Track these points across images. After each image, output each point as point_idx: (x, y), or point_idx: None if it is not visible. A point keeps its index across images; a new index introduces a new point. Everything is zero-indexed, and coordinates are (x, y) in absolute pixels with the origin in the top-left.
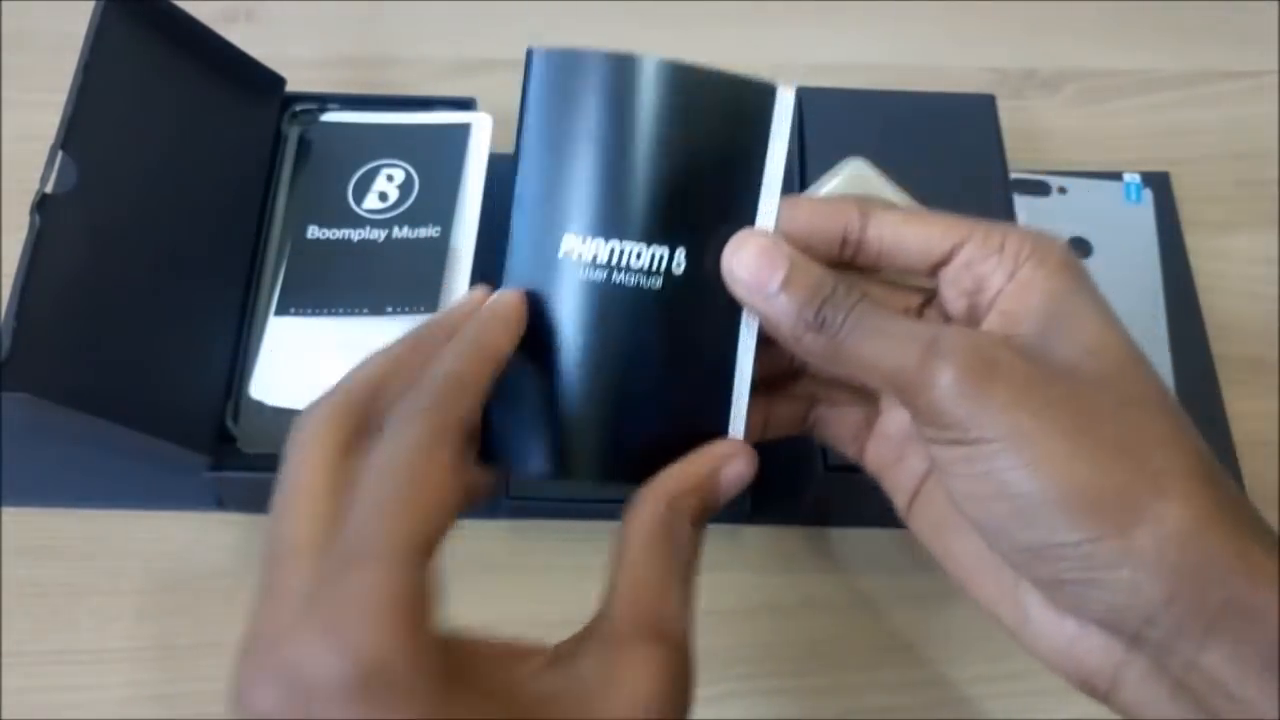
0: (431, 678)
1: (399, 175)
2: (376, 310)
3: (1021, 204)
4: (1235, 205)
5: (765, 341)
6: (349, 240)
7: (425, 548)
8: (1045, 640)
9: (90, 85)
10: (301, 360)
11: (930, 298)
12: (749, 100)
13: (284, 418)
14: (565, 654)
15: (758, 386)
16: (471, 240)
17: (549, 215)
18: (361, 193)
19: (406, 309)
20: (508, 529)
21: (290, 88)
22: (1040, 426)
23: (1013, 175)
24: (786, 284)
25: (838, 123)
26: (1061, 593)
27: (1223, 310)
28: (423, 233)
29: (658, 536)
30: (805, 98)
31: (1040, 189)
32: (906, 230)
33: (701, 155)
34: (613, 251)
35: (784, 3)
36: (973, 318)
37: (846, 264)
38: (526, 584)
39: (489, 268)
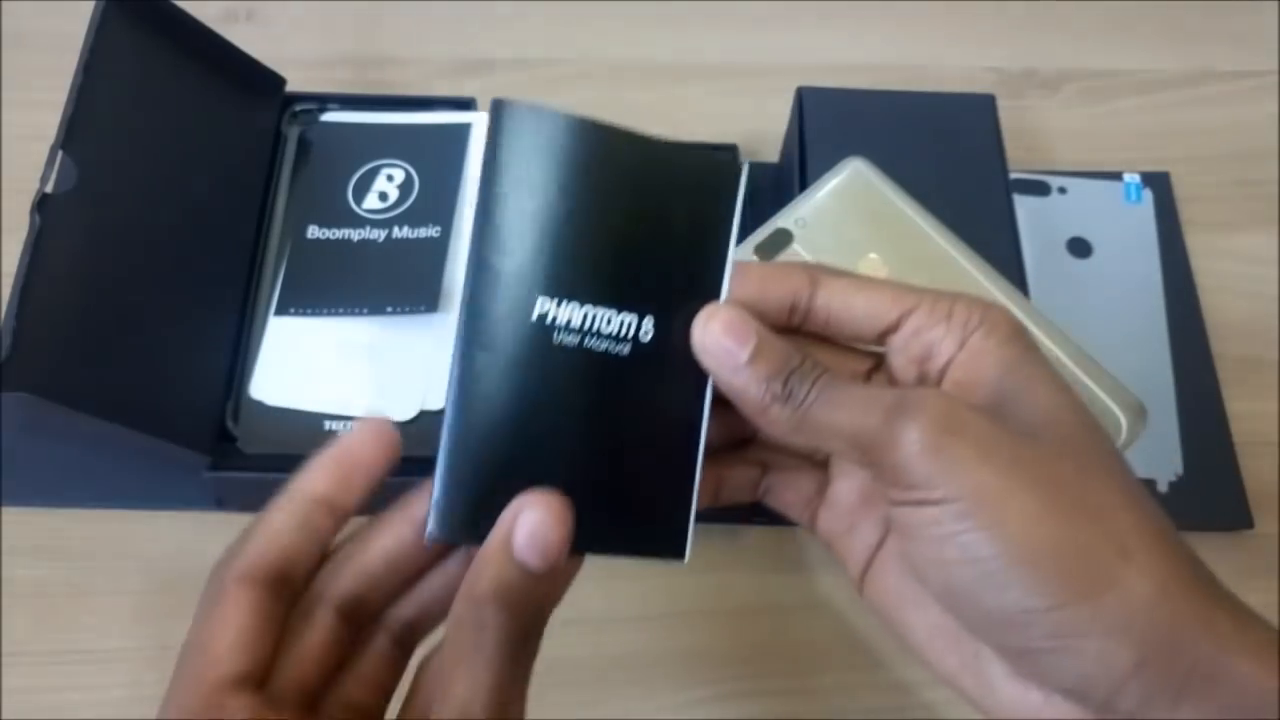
0: None
1: (399, 175)
2: (376, 310)
3: (1021, 204)
4: (1235, 205)
5: (718, 408)
6: (349, 240)
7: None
8: (1011, 711)
9: (90, 85)
10: (301, 360)
11: (878, 363)
12: (716, 174)
13: (284, 418)
14: None
15: (710, 453)
16: None
17: (520, 278)
18: (361, 193)
19: (406, 309)
20: None
21: (290, 88)
22: (1006, 486)
23: (1013, 175)
24: (754, 357)
25: (838, 123)
26: (1028, 662)
27: (1222, 310)
28: (423, 232)
29: (458, 643)
30: (805, 98)
31: (1040, 189)
32: (855, 298)
33: (672, 226)
34: (586, 316)
35: (784, 3)
36: (923, 384)
37: (794, 330)
38: None
39: None
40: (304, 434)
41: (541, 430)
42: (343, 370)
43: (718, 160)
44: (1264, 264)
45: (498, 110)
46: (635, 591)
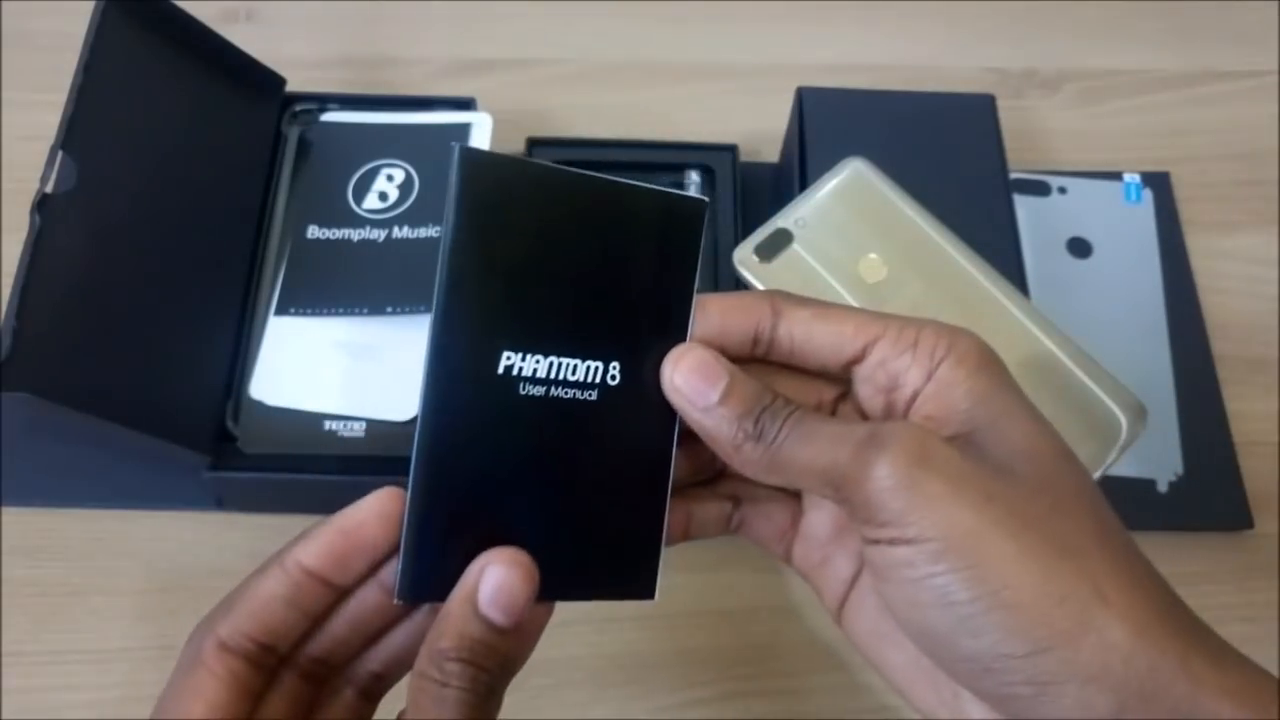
0: None
1: (399, 175)
2: (376, 310)
3: (1021, 204)
4: (1235, 205)
5: (686, 443)
6: (349, 240)
7: None
8: None
9: (90, 85)
10: (301, 360)
11: (845, 392)
12: (679, 214)
13: (285, 418)
14: None
15: (679, 488)
16: None
17: (484, 331)
18: (361, 193)
19: (406, 309)
20: None
21: (290, 87)
22: (980, 525)
23: (1013, 175)
24: (725, 397)
25: (838, 123)
26: (1006, 706)
27: (1222, 310)
28: (423, 232)
29: (421, 699)
30: (805, 98)
31: (1040, 189)
32: (817, 328)
33: (636, 269)
34: (552, 366)
35: (784, 3)
36: (890, 415)
37: (759, 360)
38: None
39: None
40: (304, 434)
41: (509, 484)
42: (343, 370)
43: (679, 201)
44: (1264, 264)
45: (460, 159)
46: None
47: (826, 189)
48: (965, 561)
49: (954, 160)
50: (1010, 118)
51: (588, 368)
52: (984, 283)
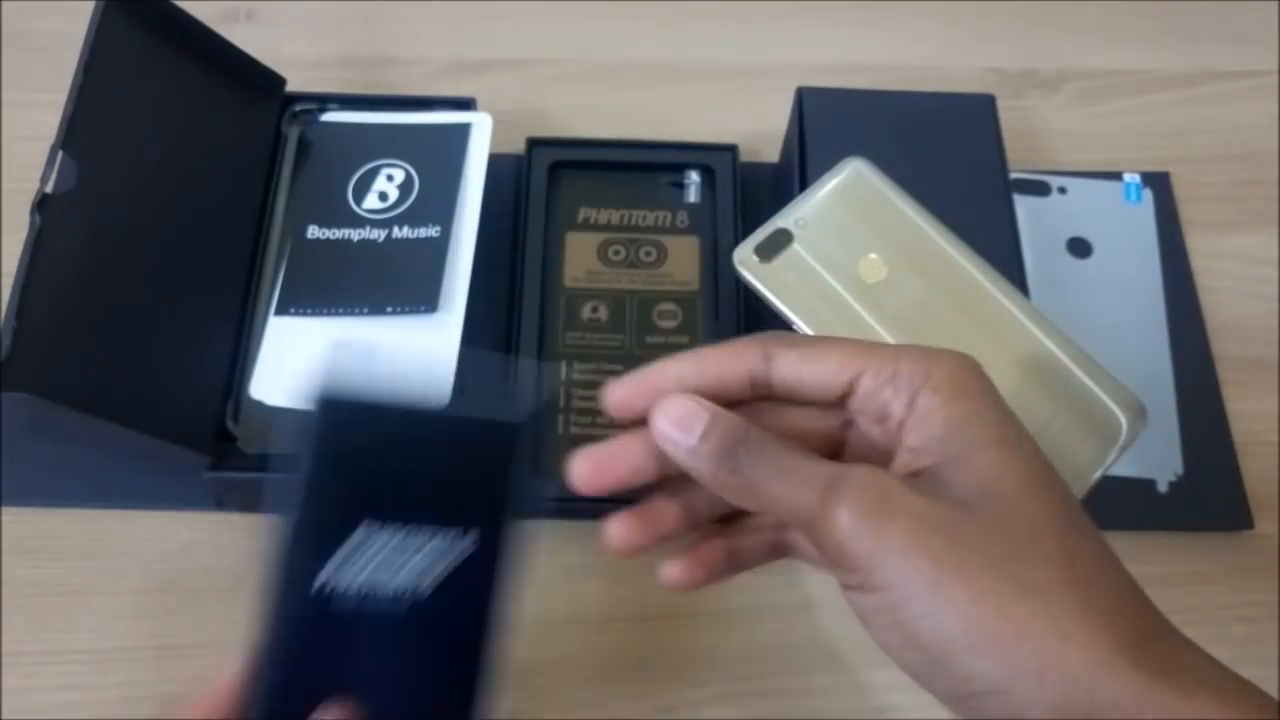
0: None
1: (399, 175)
2: (377, 310)
3: (1021, 204)
4: (1235, 205)
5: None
6: (349, 240)
7: None
8: None
9: (90, 85)
10: (301, 360)
11: (852, 419)
12: (496, 439)
13: (284, 418)
14: None
15: (719, 524)
16: (472, 240)
17: (308, 555)
18: (361, 192)
19: (406, 308)
20: None
21: (290, 87)
22: (939, 572)
23: (1013, 175)
24: (706, 434)
25: (838, 123)
26: None
27: (1222, 310)
28: (423, 232)
29: None
30: (805, 98)
31: (1040, 189)
32: (805, 369)
33: (449, 494)
34: (363, 586)
35: (784, 3)
36: (888, 443)
37: (767, 398)
38: (523, 584)
39: (489, 268)
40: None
41: (331, 693)
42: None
43: (497, 425)
44: (1264, 264)
45: (320, 406)
46: (634, 591)
47: (826, 189)
48: (926, 609)
49: (954, 160)
50: (1010, 118)
51: (398, 587)
52: (984, 283)
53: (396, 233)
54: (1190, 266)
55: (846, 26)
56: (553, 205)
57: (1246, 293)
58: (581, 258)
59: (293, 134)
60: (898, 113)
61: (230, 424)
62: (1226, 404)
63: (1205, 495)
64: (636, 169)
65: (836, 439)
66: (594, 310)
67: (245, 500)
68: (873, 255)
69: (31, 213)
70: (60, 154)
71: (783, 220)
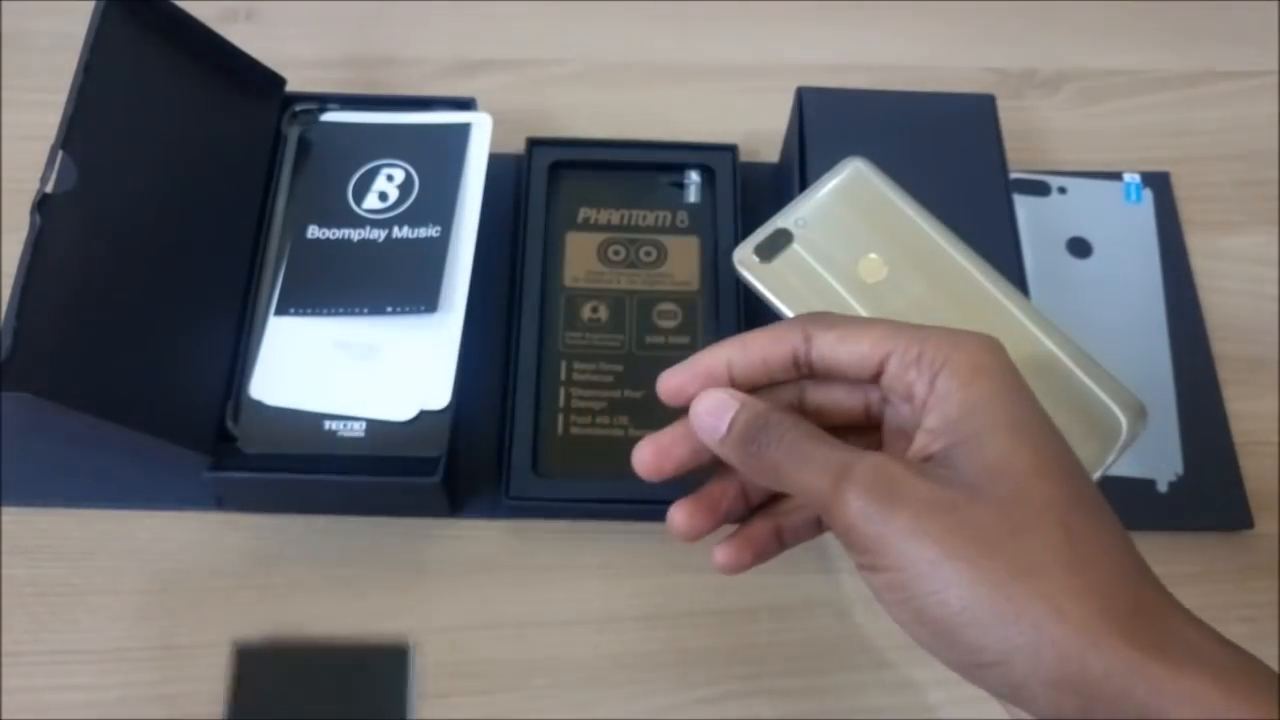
0: None
1: (399, 175)
2: (377, 310)
3: (1021, 204)
4: (1235, 205)
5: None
6: (349, 240)
7: None
8: None
9: (90, 85)
10: (302, 360)
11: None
12: (385, 664)
13: (284, 417)
14: None
15: (764, 505)
16: (472, 240)
17: None
18: (361, 193)
19: (406, 308)
20: (507, 529)
21: (290, 87)
22: (943, 552)
23: (1013, 175)
24: (731, 426)
25: (838, 123)
26: (1001, 700)
27: (1222, 310)
28: (423, 232)
29: None
30: (805, 98)
31: (1040, 189)
32: (840, 349)
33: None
34: None
35: (785, 3)
36: (914, 422)
37: (809, 376)
38: (525, 584)
39: (489, 267)
40: (304, 434)
41: None
42: (343, 370)
43: (381, 652)
44: (1264, 264)
45: (234, 656)
46: (635, 591)
47: (826, 189)
48: (932, 588)
49: (954, 160)
50: (1010, 118)
51: None
52: (984, 283)
53: (396, 233)
54: (1190, 266)
55: (846, 26)
56: (553, 205)
57: (1246, 293)
58: (581, 258)
59: (293, 134)
60: (898, 113)
61: (230, 424)
62: (1226, 404)
63: (1205, 495)
64: (636, 169)
65: (876, 414)
66: (594, 310)
67: (245, 500)
68: (873, 255)
69: (32, 213)
70: (60, 154)
71: (783, 220)
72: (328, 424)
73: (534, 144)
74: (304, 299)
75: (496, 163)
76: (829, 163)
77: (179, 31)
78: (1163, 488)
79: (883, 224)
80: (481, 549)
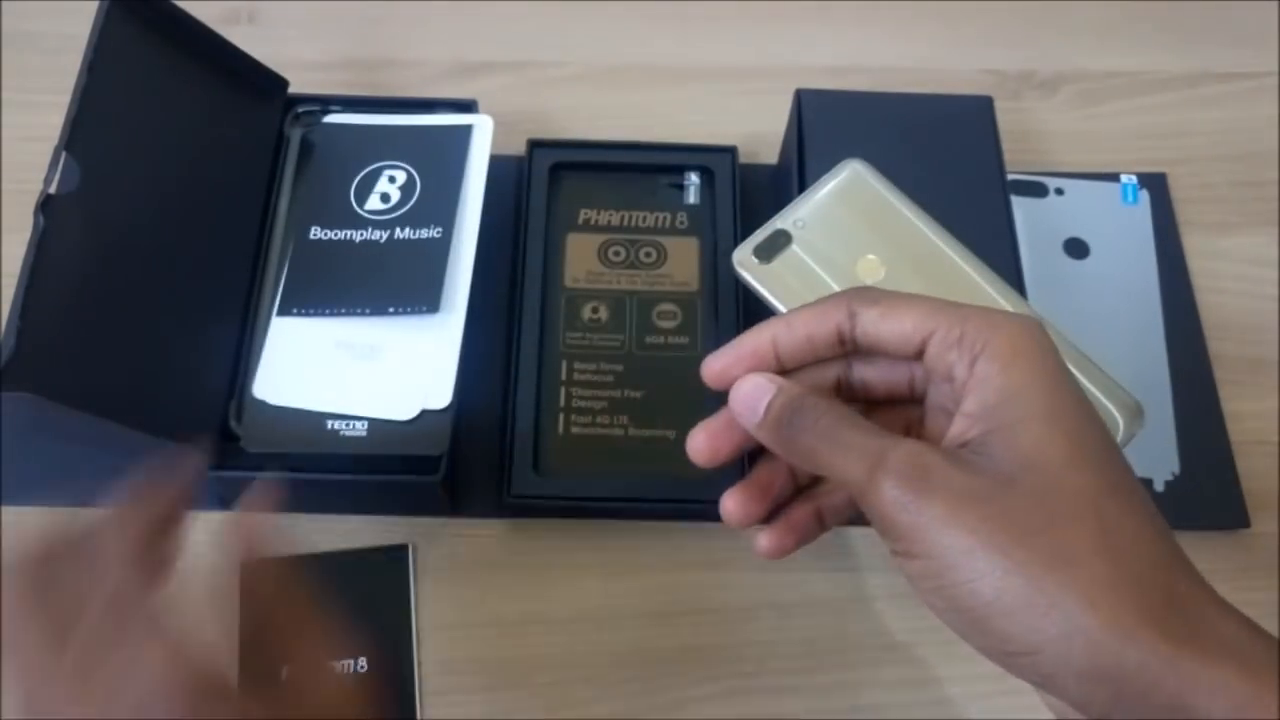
0: None
1: (401, 176)
2: (378, 310)
3: (1019, 205)
4: (1232, 206)
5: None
6: (351, 241)
7: None
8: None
9: (93, 86)
10: (304, 360)
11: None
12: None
13: (288, 417)
14: None
15: (805, 488)
16: (473, 241)
17: None
18: (364, 194)
19: (408, 309)
20: (507, 528)
21: (292, 89)
22: (977, 543)
23: (1010, 176)
24: (770, 405)
25: (837, 124)
26: (1036, 687)
27: (1219, 310)
28: (424, 233)
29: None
30: (804, 99)
31: (1037, 190)
32: (883, 326)
33: None
34: None
35: (785, 3)
36: (955, 403)
37: (855, 352)
38: (526, 583)
39: (490, 268)
40: (307, 433)
41: None
42: (345, 370)
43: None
44: (1261, 265)
45: None
46: (636, 589)
47: (825, 190)
48: (964, 577)
49: (952, 162)
50: (1008, 119)
51: None
52: (981, 283)
53: (398, 234)
54: (1187, 267)
55: (845, 28)
56: (553, 206)
57: (1243, 293)
58: (582, 258)
59: (295, 135)
60: (896, 114)
61: (234, 424)
62: (1223, 403)
63: (1202, 495)
64: (637, 170)
65: (920, 389)
66: (594, 310)
67: None
68: (871, 256)
69: (35, 213)
70: (64, 155)
71: (782, 221)
72: (330, 423)
73: (535, 145)
74: (306, 299)
75: (497, 164)
76: (828, 164)
77: (182, 33)
78: (1159, 487)
79: (881, 225)
80: (482, 547)
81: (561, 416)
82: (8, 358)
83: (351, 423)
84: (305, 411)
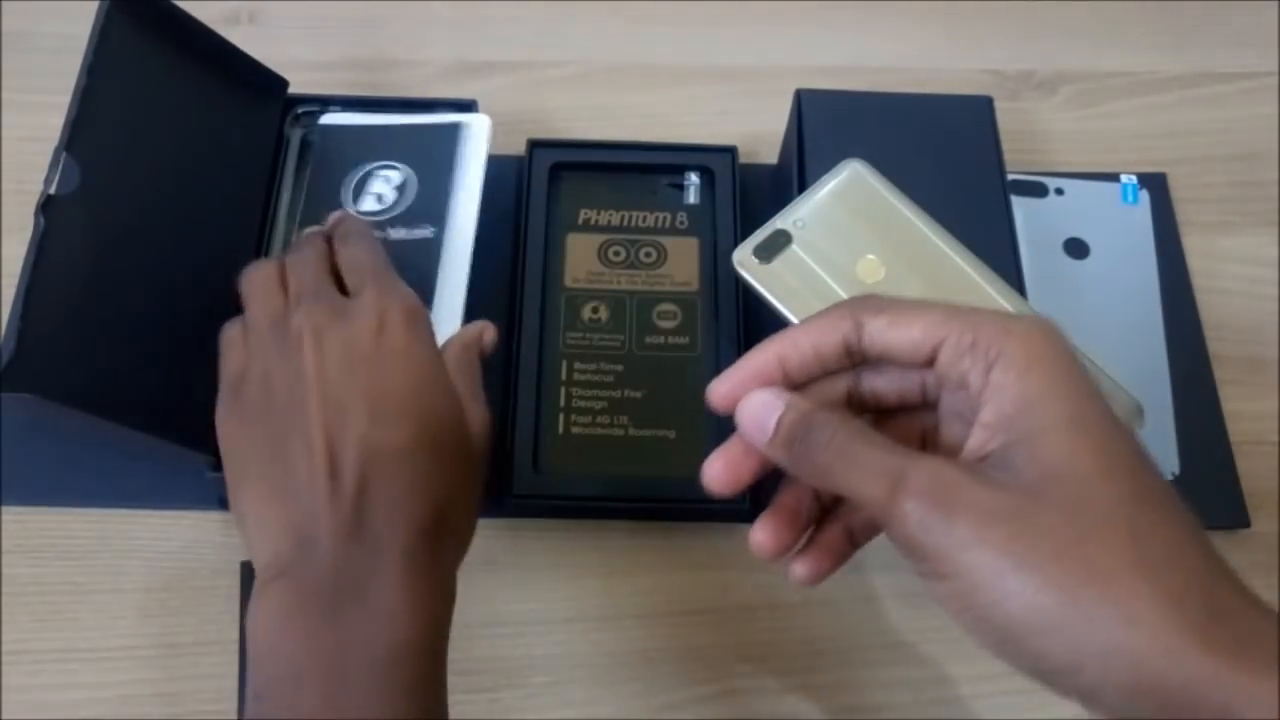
0: None
1: (396, 177)
2: None
3: (1019, 205)
4: (1232, 206)
5: None
6: None
7: None
8: None
9: (94, 87)
10: None
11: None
12: None
13: None
14: None
15: (832, 506)
16: (469, 240)
17: None
18: (359, 195)
19: None
20: (508, 527)
21: (292, 90)
22: (1003, 563)
23: (1010, 176)
24: (780, 422)
25: (837, 124)
26: (1075, 702)
27: (1219, 310)
28: (417, 233)
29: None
30: (804, 100)
31: (1037, 190)
32: (892, 335)
33: None
34: None
35: (784, 3)
36: (970, 411)
37: (864, 363)
38: (526, 582)
39: (490, 268)
40: None
41: None
42: None
43: None
44: (1261, 265)
45: None
46: (636, 589)
47: (825, 190)
48: (995, 597)
49: (952, 162)
50: (1008, 119)
51: None
52: (981, 283)
53: (392, 234)
54: (1187, 267)
55: (845, 29)
56: (553, 206)
57: (1243, 293)
58: (582, 258)
59: (295, 136)
60: (896, 115)
61: None
62: (1223, 403)
63: (1202, 494)
64: (637, 170)
65: (932, 395)
66: (594, 310)
67: None
68: (871, 256)
69: (36, 214)
70: (64, 155)
71: (782, 221)
72: None
73: (535, 145)
74: None
75: (497, 164)
76: (827, 164)
77: (182, 34)
78: None
79: (881, 225)
80: (482, 547)
81: (562, 416)
82: (8, 358)
83: None
84: None
